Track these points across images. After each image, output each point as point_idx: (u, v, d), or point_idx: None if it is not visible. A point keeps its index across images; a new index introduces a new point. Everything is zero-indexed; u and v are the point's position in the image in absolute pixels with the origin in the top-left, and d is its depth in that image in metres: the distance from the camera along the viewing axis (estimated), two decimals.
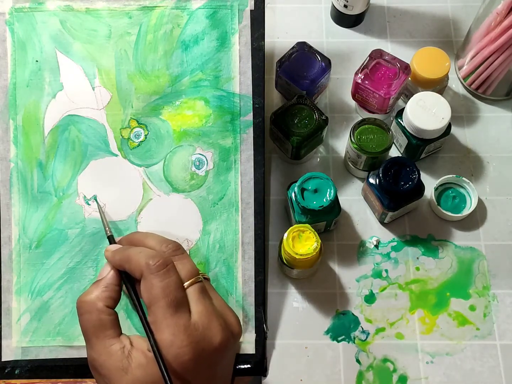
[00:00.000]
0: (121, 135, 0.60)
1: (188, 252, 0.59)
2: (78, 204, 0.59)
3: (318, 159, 0.70)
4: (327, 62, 0.66)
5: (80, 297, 0.48)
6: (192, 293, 0.46)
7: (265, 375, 0.60)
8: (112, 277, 0.48)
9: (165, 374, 0.42)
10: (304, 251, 0.58)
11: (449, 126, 0.65)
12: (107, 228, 0.55)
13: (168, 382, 0.41)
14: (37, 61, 0.59)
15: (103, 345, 0.45)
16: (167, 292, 0.44)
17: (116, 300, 0.48)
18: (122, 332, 0.47)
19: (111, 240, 0.54)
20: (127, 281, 0.49)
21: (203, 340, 0.44)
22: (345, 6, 0.73)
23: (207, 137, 0.60)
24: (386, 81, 0.65)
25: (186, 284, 0.46)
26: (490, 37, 0.66)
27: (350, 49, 0.75)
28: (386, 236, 0.66)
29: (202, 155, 0.60)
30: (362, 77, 0.65)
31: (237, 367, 0.58)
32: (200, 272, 0.48)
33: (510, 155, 0.70)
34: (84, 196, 0.58)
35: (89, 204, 0.58)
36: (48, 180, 0.59)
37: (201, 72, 0.60)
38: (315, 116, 0.63)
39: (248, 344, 0.59)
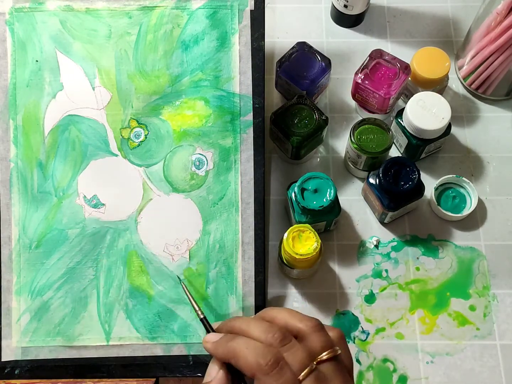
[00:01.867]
0: (121, 135, 0.60)
1: (188, 252, 0.59)
2: (78, 204, 0.59)
3: (318, 159, 0.70)
4: (327, 62, 0.66)
5: None
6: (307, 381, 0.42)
7: None
8: (222, 378, 0.46)
9: None
10: (304, 251, 0.58)
11: (449, 126, 0.65)
12: (198, 311, 0.53)
13: None
14: (37, 61, 0.59)
15: None
16: None
17: None
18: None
19: (205, 323, 0.52)
20: (238, 380, 0.47)
21: None
22: (345, 6, 0.73)
23: (207, 137, 0.60)
24: (386, 81, 0.65)
25: (301, 376, 0.42)
26: (490, 37, 0.66)
27: (350, 49, 0.75)
28: (386, 236, 0.66)
29: (202, 155, 0.60)
30: (362, 77, 0.65)
31: None
32: (322, 353, 0.44)
33: (510, 155, 0.70)
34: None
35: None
36: (48, 180, 0.59)
37: (201, 72, 0.60)
38: (315, 116, 0.63)
39: None
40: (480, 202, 0.67)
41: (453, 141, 0.70)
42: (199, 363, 0.58)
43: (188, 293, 0.55)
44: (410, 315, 0.63)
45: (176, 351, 0.58)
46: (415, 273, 0.65)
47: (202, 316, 0.52)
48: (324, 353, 0.43)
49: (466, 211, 0.66)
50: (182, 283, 0.56)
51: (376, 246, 0.66)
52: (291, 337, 0.44)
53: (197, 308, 0.53)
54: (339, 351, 0.44)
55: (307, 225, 0.58)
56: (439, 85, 0.68)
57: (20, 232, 0.58)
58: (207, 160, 0.60)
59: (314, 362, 0.43)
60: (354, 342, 0.62)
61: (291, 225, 0.59)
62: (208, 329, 0.51)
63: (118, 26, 0.60)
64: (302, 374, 0.42)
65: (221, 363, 0.46)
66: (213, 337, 0.47)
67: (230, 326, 0.48)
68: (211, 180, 0.60)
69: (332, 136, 0.71)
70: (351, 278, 0.65)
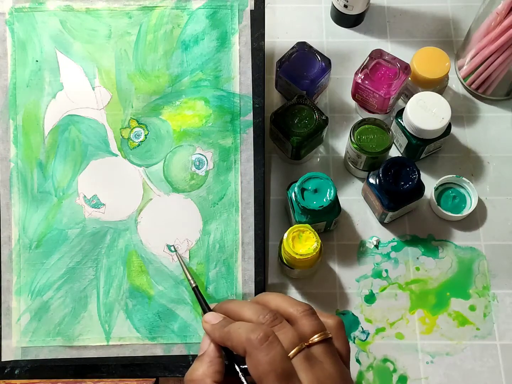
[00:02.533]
0: (121, 135, 0.60)
1: (188, 252, 0.59)
2: (78, 204, 0.59)
3: (318, 159, 0.70)
4: (327, 62, 0.66)
5: (187, 376, 0.47)
6: (298, 362, 0.43)
7: None
8: (213, 350, 0.47)
9: None
10: (304, 251, 0.58)
11: (449, 126, 0.65)
12: (190, 280, 0.55)
13: None
14: (37, 61, 0.59)
15: None
16: (274, 365, 0.42)
17: (222, 373, 0.47)
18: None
19: (197, 292, 0.54)
20: (233, 361, 0.48)
21: None
22: (345, 6, 0.73)
23: (207, 137, 0.60)
24: (386, 81, 0.65)
25: (290, 354, 0.43)
26: (490, 37, 0.66)
27: (350, 49, 0.75)
28: (386, 236, 0.66)
29: (202, 155, 0.60)
30: (362, 77, 0.65)
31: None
32: (315, 335, 0.45)
33: (510, 155, 0.70)
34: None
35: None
36: (48, 180, 0.59)
37: (201, 72, 0.60)
38: (315, 116, 0.63)
39: None
40: (480, 202, 0.67)
41: (453, 141, 0.70)
42: None
43: (182, 262, 0.57)
44: (410, 315, 0.63)
45: (176, 351, 0.58)
46: (415, 273, 0.65)
47: (194, 285, 0.54)
48: (315, 336, 0.44)
49: (466, 211, 0.66)
50: (176, 253, 0.58)
51: (376, 246, 0.66)
52: (282, 318, 0.45)
53: (189, 277, 0.55)
54: (330, 335, 0.45)
55: (307, 225, 0.58)
56: (439, 85, 0.68)
57: (20, 232, 0.58)
58: (207, 160, 0.60)
59: (305, 343, 0.44)
60: (354, 342, 0.62)
61: (291, 225, 0.59)
62: (201, 300, 0.53)
63: (118, 26, 0.60)
64: (292, 351, 0.43)
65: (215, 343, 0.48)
66: (212, 318, 0.49)
67: (225, 307, 0.49)
68: (211, 180, 0.60)
69: (332, 136, 0.71)
70: (351, 278, 0.65)
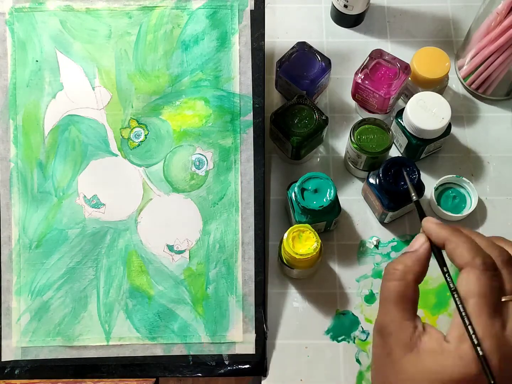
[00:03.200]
0: (121, 135, 0.60)
1: (188, 252, 0.59)
2: (78, 204, 0.59)
3: (318, 159, 0.70)
4: (327, 62, 0.66)
5: (391, 264, 0.45)
6: (510, 310, 0.41)
7: (265, 375, 0.60)
8: (426, 251, 0.45)
9: (487, 369, 0.39)
10: (304, 251, 0.58)
11: (449, 126, 0.65)
12: (413, 194, 0.51)
13: (490, 377, 0.38)
14: (37, 61, 0.59)
15: (399, 316, 0.43)
16: (487, 293, 0.40)
17: (423, 277, 0.45)
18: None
19: (418, 205, 0.50)
20: (441, 262, 0.45)
21: (510, 359, 0.40)
22: (345, 6, 0.73)
23: (207, 137, 0.60)
24: (386, 81, 0.65)
25: (507, 297, 0.41)
26: (490, 37, 0.66)
27: (350, 49, 0.75)
28: (386, 236, 0.66)
29: (202, 155, 0.60)
30: (362, 77, 0.65)
31: (236, 367, 0.58)
32: None
33: (510, 155, 0.70)
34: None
35: None
36: (48, 180, 0.59)
37: (201, 72, 0.60)
38: (315, 116, 0.63)
39: (248, 344, 0.59)
40: (480, 202, 0.67)
41: (453, 141, 0.70)
42: (199, 363, 0.58)
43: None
44: None
45: (176, 351, 0.58)
46: None
47: (416, 199, 0.51)
48: None
49: (466, 211, 0.66)
50: None
51: (376, 246, 0.66)
52: None
53: (412, 191, 0.52)
54: None
55: (307, 225, 0.58)
56: (439, 85, 0.68)
57: (20, 232, 0.58)
58: (207, 160, 0.60)
59: None
60: (354, 342, 0.62)
61: (291, 225, 0.59)
62: (418, 207, 0.50)
63: (118, 26, 0.60)
64: (510, 295, 0.41)
65: (427, 238, 0.46)
66: (435, 220, 0.46)
67: (452, 228, 0.46)
68: (211, 180, 0.60)
69: (332, 136, 0.71)
70: (351, 278, 0.65)
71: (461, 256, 0.43)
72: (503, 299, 0.41)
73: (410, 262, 0.45)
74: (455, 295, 0.42)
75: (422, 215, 0.49)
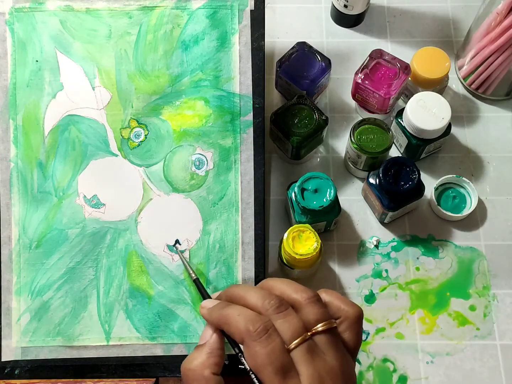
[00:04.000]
0: (121, 135, 0.60)
1: (188, 252, 0.59)
2: (78, 204, 0.59)
3: (318, 159, 0.70)
4: (327, 62, 0.66)
5: (185, 364, 0.45)
6: (298, 355, 0.42)
7: None
8: (215, 341, 0.46)
9: None
10: (304, 251, 0.58)
11: (449, 126, 0.65)
12: (191, 272, 0.55)
13: None
14: (37, 61, 0.59)
15: None
16: (272, 359, 0.41)
17: (221, 365, 0.46)
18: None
19: (198, 285, 0.54)
20: (232, 343, 0.47)
21: None
22: (345, 6, 0.73)
23: (207, 137, 0.60)
24: (386, 81, 0.65)
25: (292, 345, 0.42)
26: (490, 37, 0.66)
27: (350, 49, 0.75)
28: (386, 236, 0.67)
29: (202, 155, 0.60)
30: (362, 77, 0.65)
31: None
32: (323, 322, 0.43)
33: (510, 155, 0.70)
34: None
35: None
36: (48, 180, 0.59)
37: (201, 72, 0.60)
38: (315, 116, 0.63)
39: None
40: (480, 202, 0.67)
41: (453, 141, 0.70)
42: None
43: (181, 257, 0.57)
44: (410, 315, 0.63)
45: (176, 351, 0.58)
46: (415, 273, 0.65)
47: (195, 277, 0.54)
48: (319, 325, 0.43)
49: (466, 211, 0.66)
50: (175, 248, 0.58)
51: (376, 246, 0.66)
52: (288, 305, 0.44)
53: (190, 271, 0.55)
54: (335, 324, 0.44)
55: (307, 225, 0.58)
56: (439, 85, 0.68)
57: (20, 232, 0.58)
58: (207, 160, 0.60)
59: (309, 333, 0.43)
60: None
61: (291, 225, 0.59)
62: (202, 291, 0.53)
63: (118, 26, 0.60)
64: (294, 342, 0.42)
65: (215, 328, 0.47)
66: (209, 303, 0.48)
67: (229, 292, 0.48)
68: (211, 180, 0.60)
69: (332, 136, 0.71)
70: (351, 278, 0.65)
71: (235, 331, 0.44)
72: (290, 348, 0.42)
73: (203, 356, 0.45)
74: (251, 374, 0.43)
75: (203, 297, 0.52)
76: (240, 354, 0.46)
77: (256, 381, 0.43)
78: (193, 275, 0.55)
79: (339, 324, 0.45)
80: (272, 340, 0.42)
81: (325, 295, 0.47)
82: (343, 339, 0.45)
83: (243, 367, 0.44)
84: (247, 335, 0.42)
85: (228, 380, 0.46)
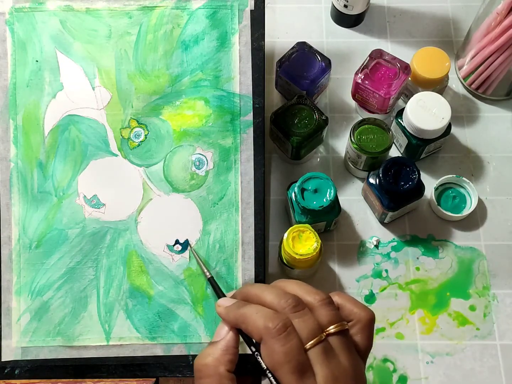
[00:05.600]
0: (121, 135, 0.60)
1: (188, 252, 0.59)
2: (78, 204, 0.59)
3: (318, 159, 0.70)
4: (327, 62, 0.66)
5: (199, 360, 0.45)
6: (315, 355, 0.42)
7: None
8: (231, 339, 0.46)
9: None
10: (304, 251, 0.58)
11: (449, 126, 0.65)
12: (206, 271, 0.56)
13: None
14: (37, 61, 0.59)
15: None
16: (290, 357, 0.41)
17: (235, 363, 0.46)
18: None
19: (212, 282, 0.54)
20: (248, 342, 0.47)
21: None
22: (345, 6, 0.73)
23: (207, 137, 0.60)
24: (386, 81, 0.65)
25: (308, 345, 0.42)
26: (490, 37, 0.66)
27: (350, 49, 0.75)
28: (386, 236, 0.66)
29: (202, 155, 0.60)
30: (362, 77, 0.65)
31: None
32: (335, 324, 0.43)
33: (510, 155, 0.70)
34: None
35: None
36: (48, 180, 0.59)
37: (201, 72, 0.60)
38: (315, 116, 0.63)
39: None
40: (480, 202, 0.67)
41: (453, 141, 0.70)
42: None
43: (196, 256, 0.58)
44: (410, 315, 0.63)
45: (176, 351, 0.58)
46: (415, 273, 0.65)
47: (209, 276, 0.54)
48: (331, 327, 0.43)
49: (466, 211, 0.66)
50: (190, 247, 0.58)
51: (376, 246, 0.66)
52: (305, 305, 0.44)
53: (205, 270, 0.56)
54: (347, 327, 0.44)
55: (307, 225, 0.58)
56: (439, 85, 0.68)
57: (20, 232, 0.58)
58: (207, 160, 0.60)
59: (324, 333, 0.43)
60: None
61: (291, 225, 0.59)
62: (216, 289, 0.53)
63: (118, 26, 0.60)
64: (310, 342, 0.42)
65: (231, 326, 0.47)
66: (225, 302, 0.48)
67: (245, 292, 0.48)
68: (211, 180, 0.60)
69: (332, 136, 0.71)
70: (351, 278, 0.65)
71: (254, 329, 0.43)
72: (306, 347, 0.42)
73: (219, 353, 0.45)
74: (268, 373, 0.43)
75: (218, 296, 0.51)
76: (256, 353, 0.45)
77: (273, 380, 0.43)
78: (208, 273, 0.55)
79: (351, 326, 0.45)
80: (290, 338, 0.42)
81: (338, 298, 0.47)
82: (355, 341, 0.45)
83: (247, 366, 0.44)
84: (266, 333, 0.42)
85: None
